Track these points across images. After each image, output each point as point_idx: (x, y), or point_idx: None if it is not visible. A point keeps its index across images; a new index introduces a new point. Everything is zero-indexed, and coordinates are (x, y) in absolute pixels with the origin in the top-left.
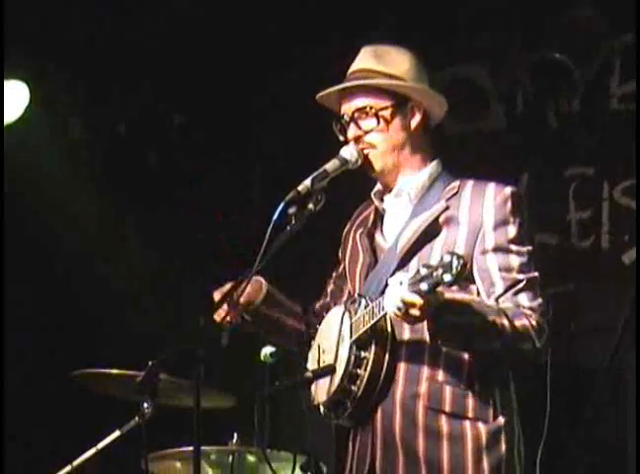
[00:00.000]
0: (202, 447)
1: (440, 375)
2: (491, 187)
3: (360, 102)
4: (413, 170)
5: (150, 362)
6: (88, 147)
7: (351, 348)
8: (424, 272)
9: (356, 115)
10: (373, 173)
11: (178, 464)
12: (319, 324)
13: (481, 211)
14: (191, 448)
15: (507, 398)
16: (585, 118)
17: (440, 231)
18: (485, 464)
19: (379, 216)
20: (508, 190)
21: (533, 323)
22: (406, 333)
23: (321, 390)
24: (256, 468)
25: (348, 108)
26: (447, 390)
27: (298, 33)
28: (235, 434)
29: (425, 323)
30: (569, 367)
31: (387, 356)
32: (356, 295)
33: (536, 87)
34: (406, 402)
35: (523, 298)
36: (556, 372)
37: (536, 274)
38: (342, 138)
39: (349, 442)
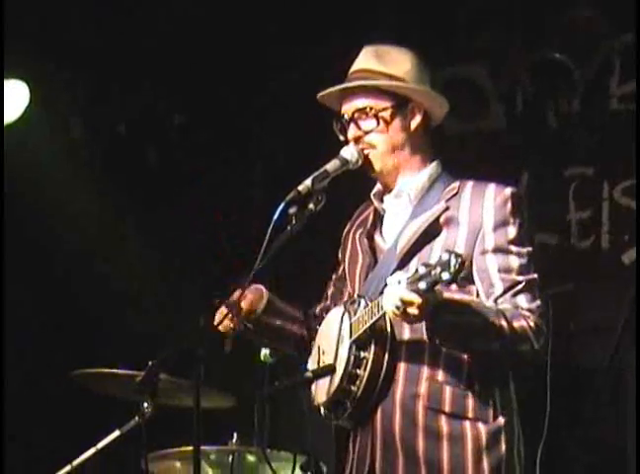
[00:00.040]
0: (202, 447)
1: (440, 375)
2: (491, 187)
3: (360, 102)
4: (413, 170)
5: (150, 362)
6: (88, 147)
7: (350, 348)
8: (422, 270)
9: (356, 115)
10: (373, 173)
11: (178, 464)
12: (319, 325)
13: (481, 212)
14: (191, 448)
15: (507, 398)
16: (585, 118)
17: (440, 232)
18: (485, 464)
19: (379, 217)
20: (508, 190)
21: (532, 324)
22: (406, 333)
23: (321, 390)
24: (256, 468)
25: (348, 108)
26: (447, 390)
27: (298, 33)
28: (235, 434)
29: (424, 322)
30: (569, 367)
31: (387, 356)
32: (355, 296)
33: (536, 87)
34: (406, 402)
35: (522, 300)
36: (556, 372)
37: (535, 275)
38: (342, 138)
39: (349, 443)
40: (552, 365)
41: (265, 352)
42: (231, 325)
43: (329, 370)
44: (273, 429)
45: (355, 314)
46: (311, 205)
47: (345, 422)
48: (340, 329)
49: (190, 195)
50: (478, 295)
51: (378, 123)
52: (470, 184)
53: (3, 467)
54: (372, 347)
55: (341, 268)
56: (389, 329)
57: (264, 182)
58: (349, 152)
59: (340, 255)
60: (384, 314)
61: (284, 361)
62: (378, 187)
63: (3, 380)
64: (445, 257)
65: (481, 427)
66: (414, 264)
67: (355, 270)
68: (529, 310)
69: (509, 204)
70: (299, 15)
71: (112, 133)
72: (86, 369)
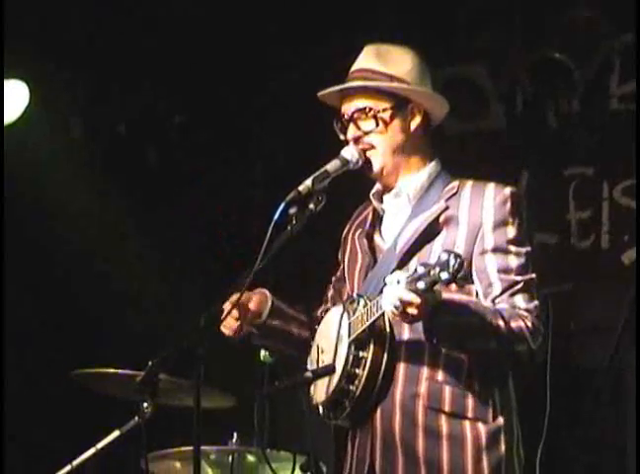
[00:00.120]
0: (202, 447)
1: (440, 375)
2: (490, 187)
3: (359, 103)
4: (412, 170)
5: (150, 362)
6: (88, 147)
7: (349, 347)
8: (421, 270)
9: (355, 115)
10: (373, 173)
11: (178, 464)
12: (319, 325)
13: (480, 212)
14: (191, 448)
15: (506, 398)
16: (585, 118)
17: (440, 231)
18: (485, 464)
19: (378, 217)
20: (507, 190)
21: (529, 324)
22: (405, 333)
23: (320, 390)
24: (256, 468)
25: (348, 108)
26: (447, 390)
27: (298, 33)
28: (235, 434)
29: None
30: (569, 367)
31: (386, 356)
32: (354, 295)
33: (536, 87)
34: (406, 402)
35: (520, 300)
36: (556, 372)
37: (534, 275)
38: (342, 137)
39: (348, 443)
40: (552, 365)
41: (264, 352)
42: (235, 327)
43: (329, 370)
44: (272, 429)
45: (354, 313)
46: (311, 206)
47: (344, 421)
48: (339, 328)
49: (190, 195)
50: (477, 295)
51: (378, 124)
52: (470, 183)
53: (3, 467)
54: (371, 346)
55: (340, 269)
56: (388, 329)
57: (264, 182)
58: (349, 152)
59: (339, 256)
60: (383, 314)
61: (284, 361)
62: (377, 187)
63: (3, 380)
64: (444, 257)
65: (481, 426)
66: (413, 263)
67: (354, 269)
68: (527, 310)
69: (508, 204)
70: (299, 15)
71: (112, 133)
72: (86, 369)
